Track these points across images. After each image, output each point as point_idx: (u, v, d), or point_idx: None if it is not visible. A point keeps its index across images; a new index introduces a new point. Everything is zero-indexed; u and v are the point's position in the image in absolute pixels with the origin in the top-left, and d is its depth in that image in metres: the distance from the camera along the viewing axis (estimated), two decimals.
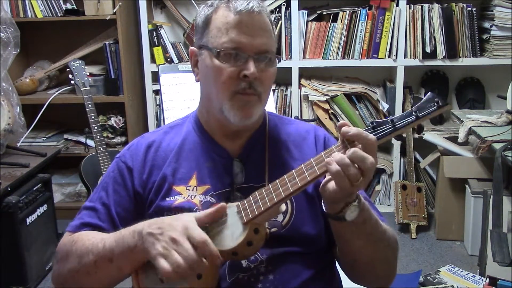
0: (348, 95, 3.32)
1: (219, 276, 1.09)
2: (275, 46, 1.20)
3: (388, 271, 1.20)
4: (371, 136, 0.97)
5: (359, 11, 3.23)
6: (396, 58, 3.27)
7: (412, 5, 3.22)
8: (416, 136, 3.21)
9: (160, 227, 1.00)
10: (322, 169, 0.98)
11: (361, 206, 1.04)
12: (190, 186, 1.18)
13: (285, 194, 1.00)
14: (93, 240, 1.11)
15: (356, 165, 0.95)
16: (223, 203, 1.05)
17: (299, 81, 3.37)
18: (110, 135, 3.46)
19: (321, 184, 1.03)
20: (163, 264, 0.96)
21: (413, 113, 0.97)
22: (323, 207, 1.07)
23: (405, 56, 3.26)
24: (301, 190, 1.02)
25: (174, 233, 0.98)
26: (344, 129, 0.98)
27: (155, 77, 3.34)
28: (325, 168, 0.97)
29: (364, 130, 0.98)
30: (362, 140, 0.97)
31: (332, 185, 0.99)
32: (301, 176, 1.00)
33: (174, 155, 1.22)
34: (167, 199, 1.17)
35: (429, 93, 1.00)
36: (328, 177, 1.01)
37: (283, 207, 1.06)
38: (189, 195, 1.17)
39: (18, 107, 2.92)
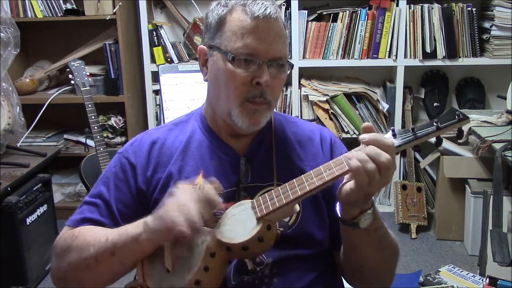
0: (348, 95, 3.32)
1: (224, 277, 1.08)
2: (288, 51, 1.19)
3: (390, 276, 1.21)
4: (388, 140, 0.98)
5: (359, 11, 3.23)
6: (396, 58, 3.27)
7: (412, 5, 3.21)
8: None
9: (164, 209, 1.00)
10: (342, 170, 0.98)
11: (374, 214, 1.04)
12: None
13: (302, 192, 1.00)
14: (96, 235, 1.10)
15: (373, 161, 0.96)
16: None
17: (299, 81, 3.37)
18: (110, 135, 3.46)
19: (339, 188, 1.03)
20: (177, 219, 0.96)
21: (434, 123, 0.99)
22: (338, 213, 1.07)
23: (405, 56, 3.26)
24: (319, 190, 1.02)
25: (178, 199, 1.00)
26: (361, 136, 0.99)
27: (155, 77, 3.34)
28: (344, 170, 0.98)
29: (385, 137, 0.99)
30: (379, 145, 0.97)
31: (349, 185, 0.99)
32: (319, 176, 1.00)
33: (180, 153, 1.21)
34: None
35: (451, 107, 1.03)
36: (345, 180, 1.02)
37: (297, 207, 1.06)
38: None
39: (18, 107, 2.92)
